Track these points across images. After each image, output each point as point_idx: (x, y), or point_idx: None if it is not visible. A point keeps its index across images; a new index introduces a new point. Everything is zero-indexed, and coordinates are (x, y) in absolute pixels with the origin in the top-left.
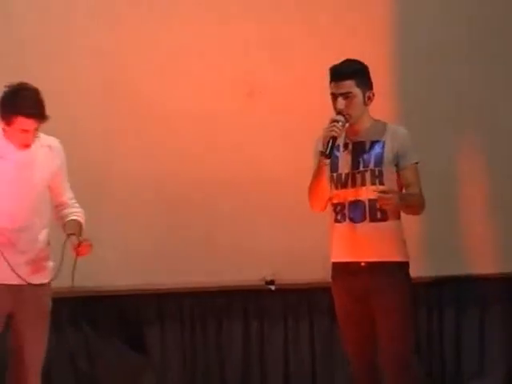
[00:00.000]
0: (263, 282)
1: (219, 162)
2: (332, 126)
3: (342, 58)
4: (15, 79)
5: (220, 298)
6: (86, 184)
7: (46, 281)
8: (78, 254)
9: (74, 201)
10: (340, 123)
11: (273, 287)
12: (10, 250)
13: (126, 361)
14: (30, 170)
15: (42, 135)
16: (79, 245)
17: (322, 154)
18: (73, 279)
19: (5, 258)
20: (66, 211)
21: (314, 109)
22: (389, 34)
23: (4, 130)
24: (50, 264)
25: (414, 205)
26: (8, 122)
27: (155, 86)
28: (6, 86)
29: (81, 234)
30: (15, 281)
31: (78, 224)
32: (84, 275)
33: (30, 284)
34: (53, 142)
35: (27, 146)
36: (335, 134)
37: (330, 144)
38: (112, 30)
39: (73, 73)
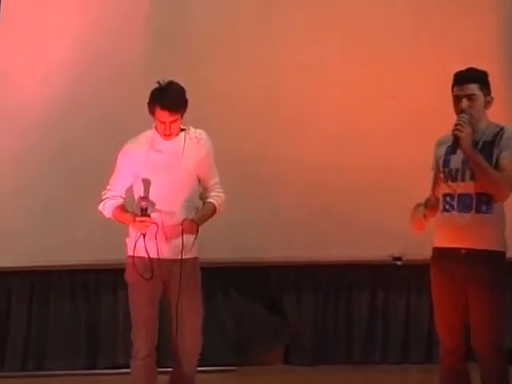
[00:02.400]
0: (391, 258)
1: (357, 153)
2: (457, 125)
3: (470, 63)
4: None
5: (350, 271)
6: (240, 173)
7: (192, 255)
8: (182, 231)
9: (217, 186)
10: (464, 119)
11: (399, 263)
12: (163, 229)
13: (266, 322)
14: (179, 159)
15: (192, 129)
16: (183, 222)
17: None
18: (181, 254)
19: (160, 236)
20: (207, 195)
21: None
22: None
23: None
24: (193, 241)
25: (489, 176)
26: (152, 113)
27: (305, 88)
28: (157, 82)
29: (208, 214)
30: (168, 255)
31: (208, 206)
32: (234, 249)
33: (180, 258)
34: (200, 134)
35: (167, 136)
36: (459, 134)
37: (454, 142)
38: (269, 43)
39: (237, 79)
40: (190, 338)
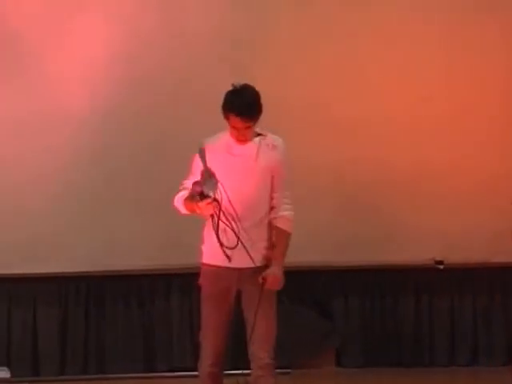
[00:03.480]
0: (433, 262)
1: (394, 159)
2: None
3: (502, 68)
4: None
5: (395, 274)
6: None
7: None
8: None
9: (285, 199)
10: None
11: (441, 266)
12: (238, 235)
13: (316, 325)
14: (252, 165)
15: (269, 135)
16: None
17: None
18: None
19: (237, 242)
20: (273, 212)
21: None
22: None
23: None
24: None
25: None
26: (226, 118)
27: (343, 95)
28: (232, 85)
29: (287, 248)
30: (243, 264)
31: (285, 239)
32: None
33: (255, 266)
34: (277, 141)
35: (241, 141)
36: None
37: None
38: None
39: (283, 83)
40: (261, 344)
